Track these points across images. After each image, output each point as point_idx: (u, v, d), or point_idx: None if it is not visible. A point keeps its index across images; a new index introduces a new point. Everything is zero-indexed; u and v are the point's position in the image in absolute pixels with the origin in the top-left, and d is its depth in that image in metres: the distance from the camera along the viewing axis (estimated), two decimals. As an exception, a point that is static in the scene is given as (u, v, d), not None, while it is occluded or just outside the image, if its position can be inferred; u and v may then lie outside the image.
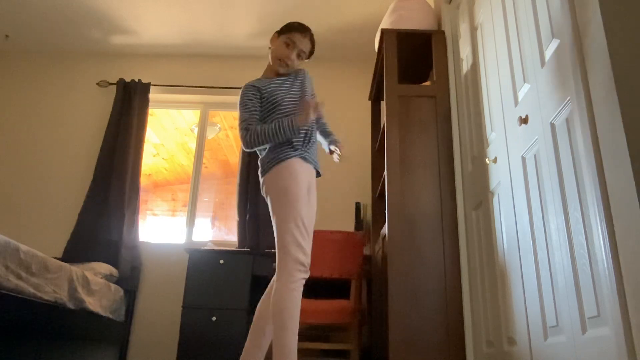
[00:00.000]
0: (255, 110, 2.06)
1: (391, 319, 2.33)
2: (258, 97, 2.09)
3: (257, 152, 2.16)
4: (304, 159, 2.06)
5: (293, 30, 2.16)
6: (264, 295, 2.10)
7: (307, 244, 1.94)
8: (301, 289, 1.88)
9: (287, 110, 2.09)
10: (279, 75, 2.21)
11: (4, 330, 2.22)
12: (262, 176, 2.06)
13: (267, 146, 2.06)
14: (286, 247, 1.89)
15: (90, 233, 3.83)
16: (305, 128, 2.09)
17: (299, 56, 2.17)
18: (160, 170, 5.66)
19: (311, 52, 2.23)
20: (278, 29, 2.24)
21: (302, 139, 2.08)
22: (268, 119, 2.09)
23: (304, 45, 2.17)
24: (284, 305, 1.82)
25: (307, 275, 1.91)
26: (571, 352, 1.43)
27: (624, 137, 1.19)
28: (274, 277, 2.09)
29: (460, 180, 2.53)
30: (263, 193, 2.07)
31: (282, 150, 2.02)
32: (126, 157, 4.04)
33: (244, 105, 2.06)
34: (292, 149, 2.03)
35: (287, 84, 2.17)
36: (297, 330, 1.83)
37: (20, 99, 4.45)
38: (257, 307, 2.08)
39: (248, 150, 2.08)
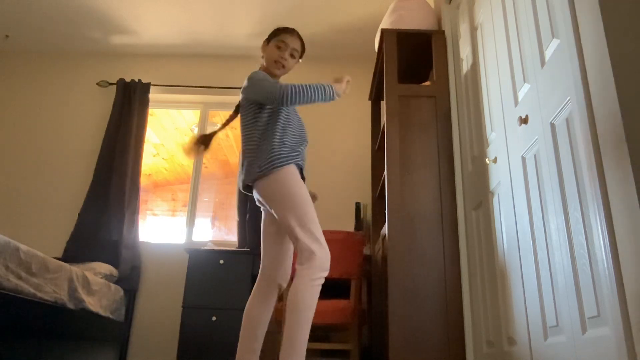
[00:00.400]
0: None
1: (391, 319, 2.33)
2: None
3: (242, 157, 2.12)
4: (299, 167, 2.04)
5: (280, 33, 2.21)
6: (251, 299, 2.04)
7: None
8: (320, 287, 1.87)
9: (289, 111, 2.10)
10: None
11: (4, 330, 2.22)
12: (256, 180, 1.99)
13: (257, 151, 2.02)
14: (310, 248, 1.87)
15: (90, 233, 3.83)
16: (304, 136, 2.09)
17: (292, 56, 2.20)
18: (160, 170, 5.67)
19: (302, 51, 2.26)
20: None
21: (303, 147, 2.08)
22: (276, 115, 2.06)
23: (295, 43, 2.20)
24: (305, 303, 1.81)
25: (327, 274, 1.90)
26: (571, 352, 1.43)
27: (624, 137, 1.19)
28: (259, 279, 2.06)
29: (460, 180, 2.53)
30: (259, 197, 2.02)
31: (281, 154, 1.98)
32: (126, 157, 4.04)
33: (262, 80, 2.02)
34: (294, 153, 2.02)
35: None
36: (310, 329, 1.82)
37: (20, 99, 4.45)
38: (247, 311, 2.01)
39: (283, 105, 1.99)
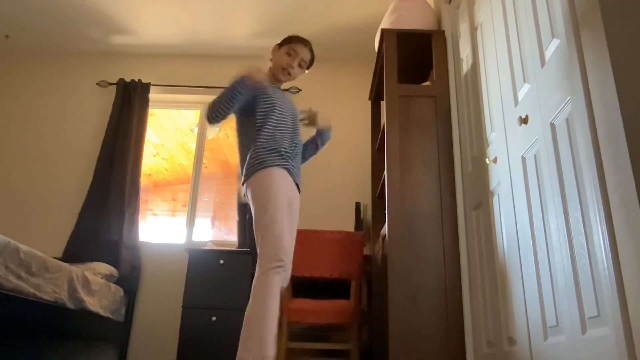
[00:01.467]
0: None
1: (391, 319, 2.33)
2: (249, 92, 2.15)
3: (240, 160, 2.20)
4: (287, 169, 2.09)
5: (294, 41, 2.27)
6: None
7: (288, 241, 1.96)
8: (278, 280, 1.90)
9: (281, 115, 2.14)
10: (276, 83, 2.33)
11: (4, 330, 2.22)
12: (244, 183, 2.09)
13: (245, 153, 2.12)
14: (260, 242, 1.94)
15: (90, 233, 3.83)
16: (296, 142, 2.15)
17: (299, 65, 2.26)
18: (160, 170, 5.67)
19: (311, 62, 2.33)
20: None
21: (290, 151, 2.11)
22: (265, 120, 2.13)
23: (305, 54, 2.27)
24: (259, 292, 1.86)
25: (284, 271, 1.93)
26: (571, 352, 1.43)
27: (624, 137, 1.19)
28: None
29: (460, 180, 2.53)
30: (247, 199, 2.10)
31: (264, 157, 2.04)
32: (126, 157, 4.04)
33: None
34: (278, 157, 2.05)
35: (279, 91, 2.28)
36: (274, 322, 1.85)
37: (20, 99, 4.45)
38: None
39: (212, 125, 2.14)
